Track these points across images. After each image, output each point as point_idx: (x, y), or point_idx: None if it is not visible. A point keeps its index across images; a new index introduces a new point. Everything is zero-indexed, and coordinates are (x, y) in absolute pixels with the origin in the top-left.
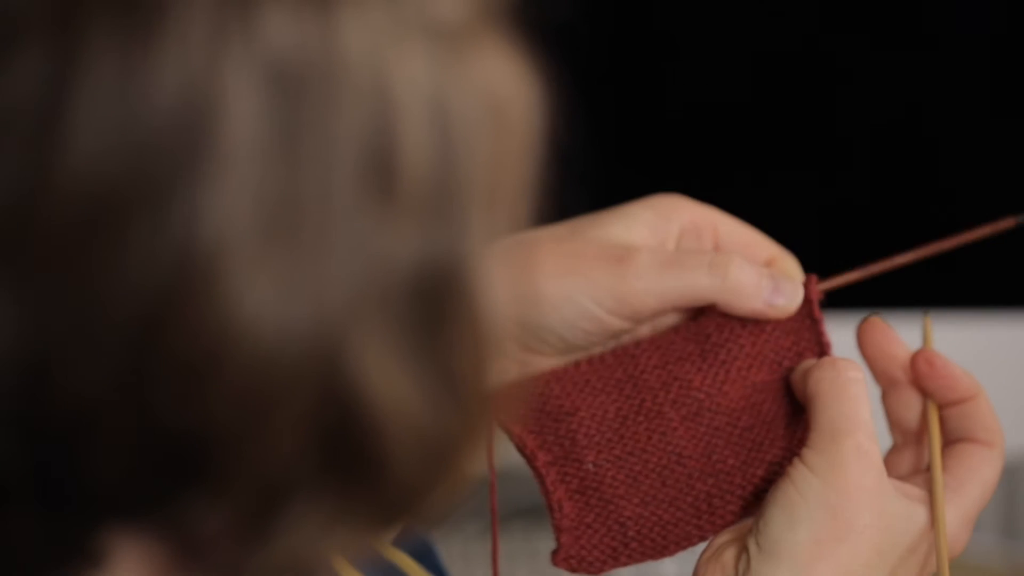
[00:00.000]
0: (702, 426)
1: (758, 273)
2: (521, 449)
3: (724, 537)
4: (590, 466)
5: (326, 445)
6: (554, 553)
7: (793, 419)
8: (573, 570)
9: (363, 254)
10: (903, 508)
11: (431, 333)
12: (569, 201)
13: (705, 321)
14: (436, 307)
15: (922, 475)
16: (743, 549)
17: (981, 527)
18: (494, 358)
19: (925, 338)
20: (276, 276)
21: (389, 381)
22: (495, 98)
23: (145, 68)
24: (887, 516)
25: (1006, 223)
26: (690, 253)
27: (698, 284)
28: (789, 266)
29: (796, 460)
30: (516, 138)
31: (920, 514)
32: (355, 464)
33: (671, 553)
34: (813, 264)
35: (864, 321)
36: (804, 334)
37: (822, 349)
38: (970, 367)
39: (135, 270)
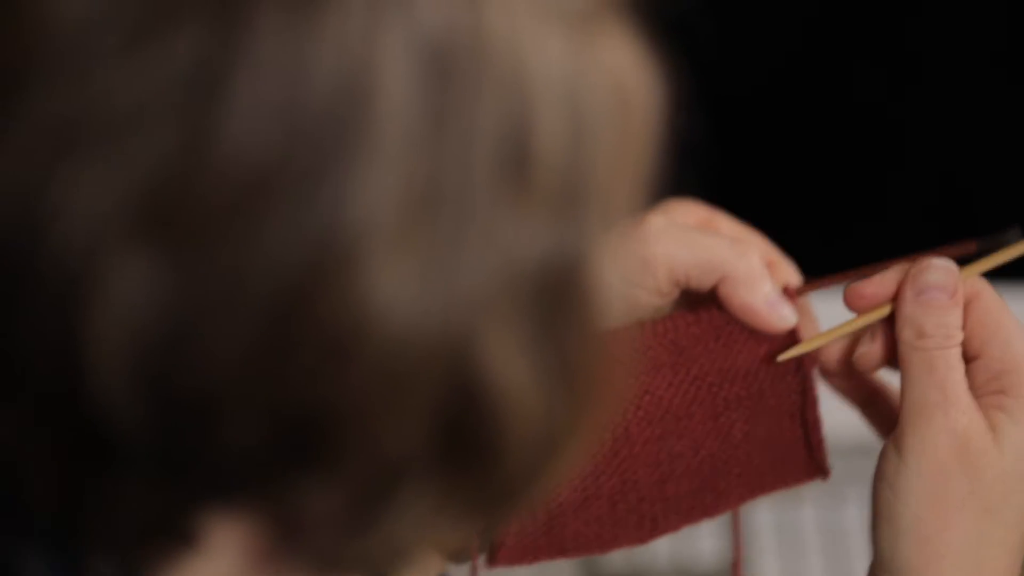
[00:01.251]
0: (664, 452)
1: (770, 278)
2: None
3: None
4: None
5: (447, 433)
6: (488, 558)
7: (761, 441)
8: (499, 566)
9: (496, 245)
10: (999, 448)
11: (552, 325)
12: (685, 193)
13: (680, 329)
14: (558, 300)
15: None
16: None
17: None
18: (605, 356)
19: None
20: (414, 262)
21: (512, 372)
22: (621, 87)
23: (304, 46)
24: (986, 470)
25: (967, 246)
26: (710, 231)
27: (717, 253)
28: (788, 273)
29: (889, 451)
30: (639, 128)
31: (1012, 423)
32: (471, 453)
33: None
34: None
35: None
36: (778, 343)
37: (799, 360)
38: None
39: (280, 247)
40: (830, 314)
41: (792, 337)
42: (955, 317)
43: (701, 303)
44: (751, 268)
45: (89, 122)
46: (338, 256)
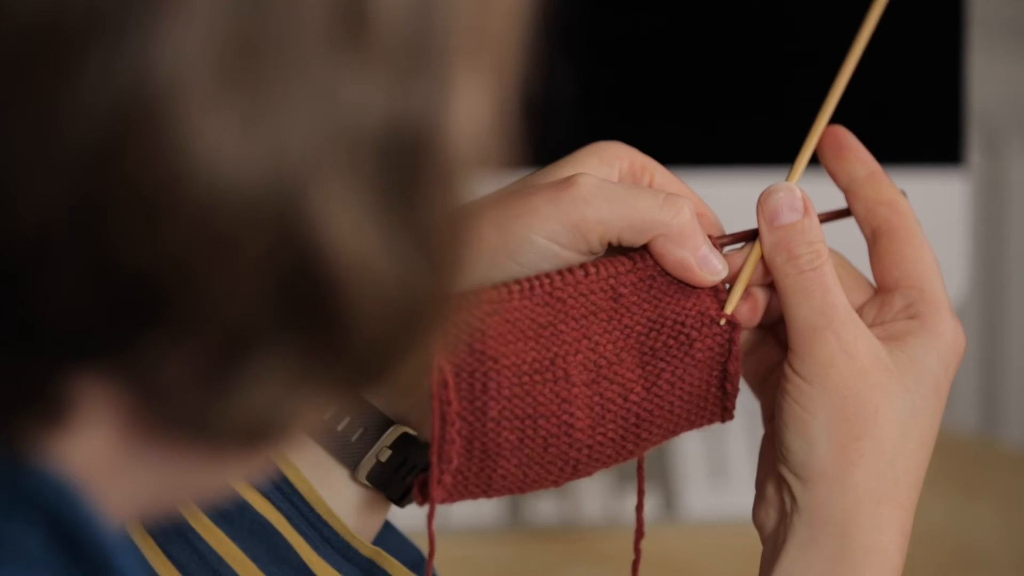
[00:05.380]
0: (596, 395)
1: (702, 232)
2: (437, 382)
3: (759, 474)
4: (491, 422)
5: (284, 295)
6: (418, 494)
7: (686, 391)
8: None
9: (328, 101)
10: (898, 368)
11: (402, 190)
12: (556, 70)
13: (620, 275)
14: (409, 163)
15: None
16: (780, 479)
17: None
18: (469, 221)
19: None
20: (233, 115)
21: (352, 234)
22: None
23: None
24: (891, 387)
25: (843, 213)
26: (642, 187)
27: (648, 214)
28: (713, 223)
29: (789, 372)
30: None
31: (921, 346)
32: (315, 318)
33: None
34: None
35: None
36: (704, 297)
37: (725, 311)
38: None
39: (88, 99)
40: None
41: (718, 289)
42: (813, 230)
43: (634, 249)
44: (683, 226)
45: None
46: (148, 108)
